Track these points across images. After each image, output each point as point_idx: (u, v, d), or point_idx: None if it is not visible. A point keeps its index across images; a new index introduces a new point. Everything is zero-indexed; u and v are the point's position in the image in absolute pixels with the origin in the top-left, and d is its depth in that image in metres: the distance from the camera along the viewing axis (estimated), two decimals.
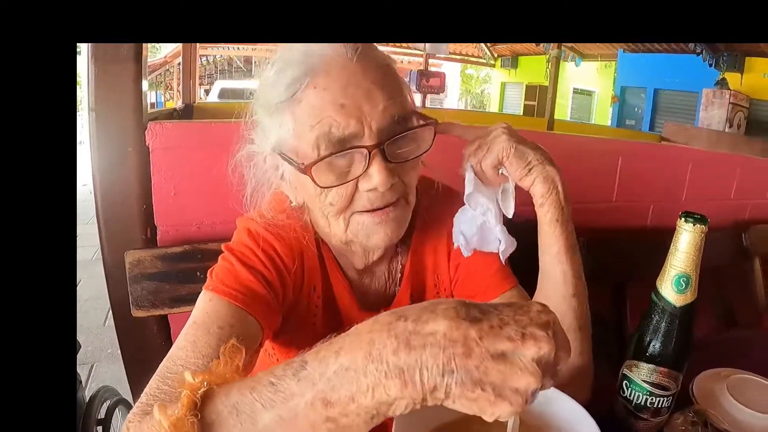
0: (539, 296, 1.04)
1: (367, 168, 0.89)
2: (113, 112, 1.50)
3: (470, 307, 0.58)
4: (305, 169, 0.89)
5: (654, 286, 0.92)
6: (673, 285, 0.88)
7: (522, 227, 1.05)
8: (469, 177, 1.03)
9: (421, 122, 0.97)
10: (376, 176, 0.89)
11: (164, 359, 0.83)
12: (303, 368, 0.59)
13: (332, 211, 0.96)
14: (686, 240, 0.87)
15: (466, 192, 1.02)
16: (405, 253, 1.13)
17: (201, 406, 0.62)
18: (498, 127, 1.02)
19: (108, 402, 1.84)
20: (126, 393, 1.87)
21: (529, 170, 1.00)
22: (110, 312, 1.60)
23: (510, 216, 1.05)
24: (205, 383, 0.64)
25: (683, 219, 0.87)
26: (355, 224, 0.97)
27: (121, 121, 1.50)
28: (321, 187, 0.91)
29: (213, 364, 0.69)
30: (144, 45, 1.54)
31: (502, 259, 1.08)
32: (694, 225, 0.86)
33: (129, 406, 1.96)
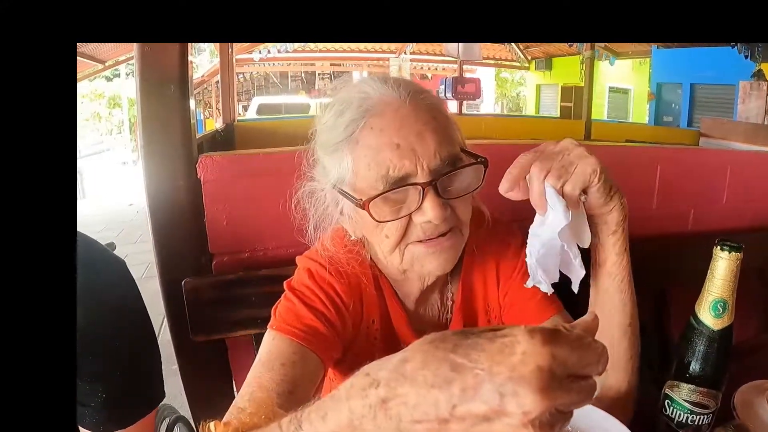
0: None
1: (421, 203, 0.94)
2: (164, 148, 1.57)
3: (441, 364, 0.50)
4: (363, 205, 0.95)
5: (693, 310, 0.96)
6: (710, 310, 0.92)
7: None
8: (560, 203, 0.87)
9: (471, 161, 1.00)
10: (429, 210, 0.94)
11: (237, 395, 0.91)
12: (299, 429, 0.60)
13: (388, 245, 1.01)
14: (722, 267, 0.90)
15: (562, 222, 0.87)
16: (456, 282, 1.18)
17: None
18: (573, 144, 0.90)
19: (168, 419, 1.89)
20: (180, 407, 1.94)
21: (611, 197, 0.92)
22: (162, 328, 1.67)
23: (587, 246, 0.96)
24: (230, 429, 0.71)
25: (719, 247, 0.90)
26: (410, 254, 1.02)
27: (172, 158, 1.58)
28: (378, 221, 0.96)
29: (239, 414, 0.78)
30: (191, 84, 1.62)
31: (576, 287, 0.99)
32: (729, 253, 0.89)
33: (187, 423, 2.03)
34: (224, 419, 0.81)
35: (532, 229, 0.93)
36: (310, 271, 1.09)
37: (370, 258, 1.12)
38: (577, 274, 0.96)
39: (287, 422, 0.63)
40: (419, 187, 0.94)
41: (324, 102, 1.07)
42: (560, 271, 0.96)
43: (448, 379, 0.49)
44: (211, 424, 0.72)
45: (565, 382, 0.49)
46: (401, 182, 0.95)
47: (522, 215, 0.99)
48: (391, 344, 1.16)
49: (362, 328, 1.14)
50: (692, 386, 0.95)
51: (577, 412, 0.57)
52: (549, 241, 0.90)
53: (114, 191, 13.10)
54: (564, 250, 0.91)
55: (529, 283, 0.96)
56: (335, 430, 0.56)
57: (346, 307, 1.08)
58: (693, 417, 0.96)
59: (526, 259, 0.94)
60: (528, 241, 0.94)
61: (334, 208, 1.06)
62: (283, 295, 1.08)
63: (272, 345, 1.00)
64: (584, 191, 0.89)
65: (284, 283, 1.10)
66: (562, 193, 0.87)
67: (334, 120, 1.00)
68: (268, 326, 1.03)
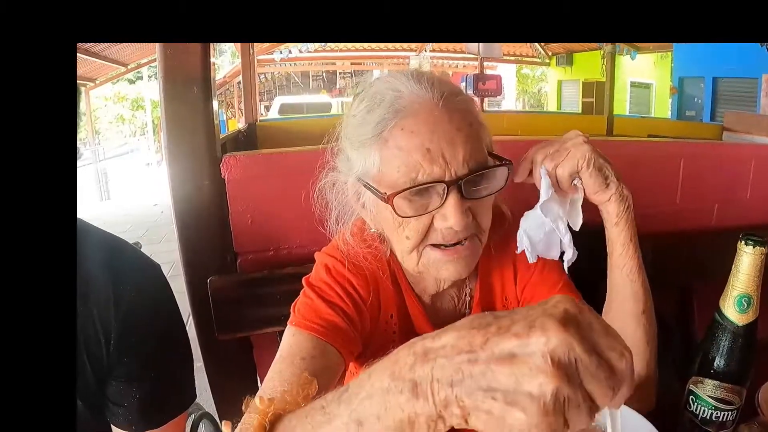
0: (608, 314, 1.06)
1: (444, 201, 0.94)
2: (188, 150, 1.60)
3: (485, 316, 0.54)
4: (388, 199, 0.94)
5: (717, 305, 0.95)
6: (735, 305, 0.92)
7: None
8: (546, 182, 1.00)
9: (497, 162, 1.00)
10: (451, 216, 0.94)
11: (259, 390, 0.91)
12: (345, 391, 0.61)
13: (408, 246, 1.01)
14: (747, 262, 0.90)
15: (543, 198, 0.99)
16: (474, 277, 1.17)
17: (269, 428, 0.69)
18: (576, 134, 1.01)
19: (193, 416, 1.90)
20: (205, 404, 1.96)
21: (607, 185, 1.00)
22: (187, 327, 1.69)
23: (577, 229, 1.04)
24: (273, 408, 0.70)
25: (743, 242, 0.90)
26: (426, 258, 1.02)
27: (197, 158, 1.60)
28: (400, 216, 0.96)
29: (283, 393, 0.76)
30: (214, 84, 1.64)
31: (566, 267, 1.07)
32: (754, 247, 0.89)
33: (212, 420, 2.05)
34: (246, 417, 0.80)
35: (532, 209, 1.03)
36: (328, 267, 1.10)
37: (389, 252, 1.12)
38: (566, 253, 1.04)
39: (330, 395, 0.64)
40: (443, 185, 0.93)
41: (356, 93, 1.06)
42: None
43: (488, 324, 0.52)
44: (257, 398, 0.73)
45: (592, 358, 0.49)
46: (427, 186, 0.94)
47: None
48: (410, 338, 1.16)
49: (380, 323, 1.14)
50: (717, 382, 0.95)
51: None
52: (539, 216, 1.01)
53: (139, 192, 13.24)
54: (552, 227, 1.01)
55: (518, 249, 1.05)
56: (377, 386, 0.57)
57: (364, 302, 1.09)
58: (717, 413, 0.96)
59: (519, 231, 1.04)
60: (524, 214, 1.03)
61: (355, 200, 1.07)
62: (302, 291, 1.09)
63: (292, 340, 1.01)
64: (579, 176, 1.00)
65: (303, 279, 1.11)
66: (556, 176, 1.00)
67: (363, 115, 0.99)
68: (287, 322, 1.04)
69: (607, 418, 0.60)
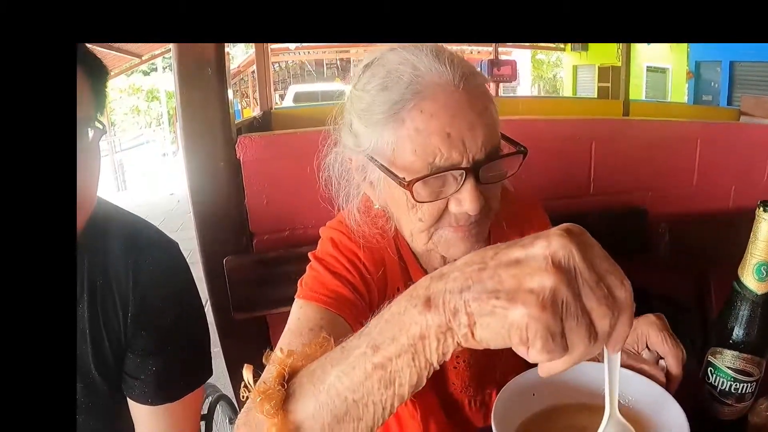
0: None
1: (461, 187, 0.93)
2: (203, 131, 1.60)
3: (498, 244, 0.57)
4: (407, 185, 0.92)
5: (735, 274, 0.94)
6: (754, 273, 0.90)
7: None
8: None
9: (512, 150, 0.99)
10: (467, 200, 0.93)
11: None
12: (365, 328, 0.63)
13: (420, 227, 1.00)
14: (765, 229, 0.88)
15: None
16: None
17: (288, 379, 0.69)
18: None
19: (210, 398, 1.92)
20: (224, 387, 1.97)
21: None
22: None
23: None
24: (292, 359, 0.70)
25: (761, 208, 0.88)
26: (438, 237, 1.01)
27: (212, 139, 1.61)
28: (418, 201, 0.94)
29: (303, 347, 0.75)
30: (228, 67, 1.64)
31: None
32: None
33: (229, 402, 2.06)
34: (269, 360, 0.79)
35: None
36: (333, 240, 1.10)
37: (394, 228, 1.11)
38: None
39: (349, 337, 0.65)
40: (462, 171, 0.92)
41: (364, 65, 1.02)
42: None
43: (499, 245, 0.56)
44: (277, 350, 0.73)
45: (591, 273, 0.52)
46: (445, 170, 0.93)
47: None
48: None
49: (388, 297, 1.11)
50: (735, 353, 0.94)
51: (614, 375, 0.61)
52: None
53: (155, 182, 13.32)
54: None
55: None
56: (395, 311, 0.59)
57: (370, 274, 1.08)
58: (736, 385, 0.95)
59: None
60: None
61: (360, 176, 1.05)
62: (308, 266, 1.09)
63: (300, 313, 1.00)
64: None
65: (309, 253, 1.11)
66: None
67: (376, 92, 0.95)
68: (295, 297, 1.04)
69: (605, 368, 0.60)
